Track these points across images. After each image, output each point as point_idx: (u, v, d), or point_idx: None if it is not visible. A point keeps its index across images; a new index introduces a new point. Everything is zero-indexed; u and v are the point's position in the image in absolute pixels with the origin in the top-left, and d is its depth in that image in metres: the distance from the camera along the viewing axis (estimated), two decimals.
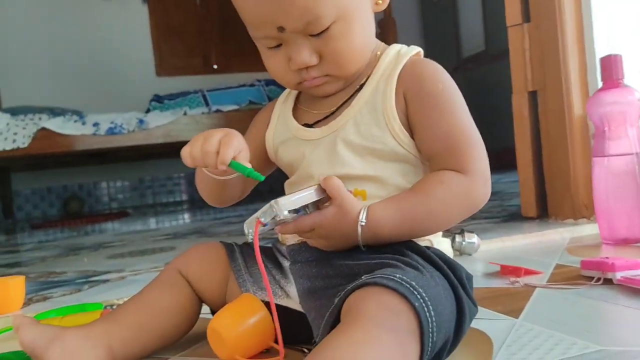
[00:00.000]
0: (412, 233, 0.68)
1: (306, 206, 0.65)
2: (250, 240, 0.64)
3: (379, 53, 0.74)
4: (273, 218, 0.62)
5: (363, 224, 0.65)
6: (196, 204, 4.17)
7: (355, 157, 0.70)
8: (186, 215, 3.34)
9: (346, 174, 0.70)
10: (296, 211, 0.64)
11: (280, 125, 0.78)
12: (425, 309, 0.56)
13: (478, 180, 0.67)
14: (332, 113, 0.73)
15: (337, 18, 0.66)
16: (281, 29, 0.66)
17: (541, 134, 1.53)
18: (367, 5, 0.70)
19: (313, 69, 0.69)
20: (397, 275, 0.58)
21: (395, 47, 0.74)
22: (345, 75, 0.71)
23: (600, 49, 1.38)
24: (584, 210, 1.44)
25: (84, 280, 1.38)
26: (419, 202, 0.66)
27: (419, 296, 0.56)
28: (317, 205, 0.65)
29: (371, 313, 0.55)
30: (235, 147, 0.66)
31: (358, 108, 0.71)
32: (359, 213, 0.64)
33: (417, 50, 0.74)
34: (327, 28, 0.66)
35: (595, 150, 1.25)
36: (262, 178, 0.67)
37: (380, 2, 0.72)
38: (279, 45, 0.69)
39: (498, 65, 3.58)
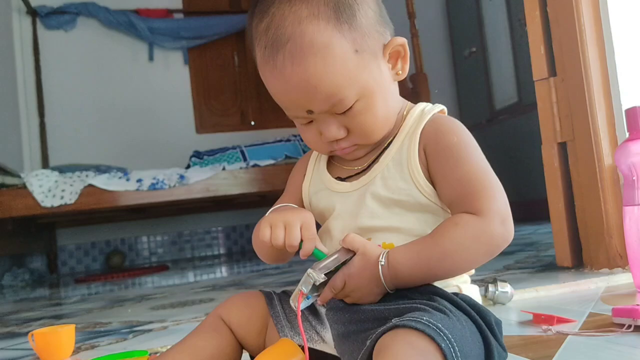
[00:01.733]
0: (430, 273, 0.71)
1: (337, 268, 0.72)
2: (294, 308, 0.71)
3: (405, 113, 0.80)
4: (313, 285, 0.70)
5: (383, 264, 0.70)
6: (233, 256, 4.24)
7: (382, 209, 0.76)
8: (224, 268, 3.39)
9: (373, 226, 0.76)
10: (329, 274, 0.71)
11: (315, 178, 0.85)
12: (452, 349, 0.59)
13: (493, 219, 0.70)
14: (363, 170, 0.79)
15: (360, 97, 0.74)
16: (310, 111, 0.74)
17: (573, 184, 1.55)
18: (387, 79, 0.77)
19: (342, 140, 0.77)
20: (425, 318, 0.62)
21: (420, 106, 0.80)
22: (372, 142, 0.79)
23: (627, 100, 1.41)
24: (619, 260, 1.44)
25: (129, 329, 1.43)
26: (434, 243, 0.71)
27: (445, 337, 0.60)
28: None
29: (400, 354, 0.59)
30: (315, 237, 0.74)
31: (385, 164, 0.77)
32: (379, 256, 0.71)
33: (440, 108, 0.80)
34: (351, 106, 0.73)
35: (626, 200, 1.26)
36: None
37: (400, 72, 0.79)
38: (310, 122, 0.77)
39: (531, 116, 3.60)
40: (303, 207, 0.87)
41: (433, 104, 0.81)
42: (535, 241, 2.46)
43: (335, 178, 0.82)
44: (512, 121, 4.00)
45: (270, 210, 0.83)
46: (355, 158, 0.81)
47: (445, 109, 0.81)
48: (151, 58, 4.62)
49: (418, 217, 0.75)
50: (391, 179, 0.76)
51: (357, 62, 0.73)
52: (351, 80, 0.72)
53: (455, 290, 0.74)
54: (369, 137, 0.77)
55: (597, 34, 1.46)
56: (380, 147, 0.79)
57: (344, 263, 0.72)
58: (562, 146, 1.56)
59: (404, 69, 0.79)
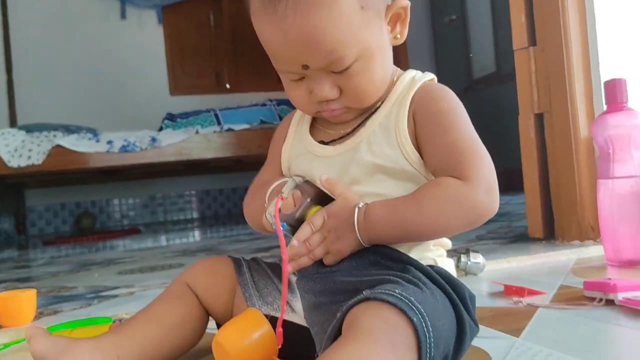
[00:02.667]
0: (405, 229, 0.69)
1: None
2: (272, 222, 0.71)
3: (394, 79, 0.77)
4: (296, 186, 0.71)
5: (360, 207, 0.69)
6: (206, 221, 4.21)
7: (365, 175, 0.73)
8: (196, 233, 3.36)
9: (355, 191, 0.73)
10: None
11: (297, 141, 0.82)
12: (423, 323, 0.57)
13: (478, 187, 0.68)
14: (347, 134, 0.76)
15: (359, 57, 0.70)
16: (305, 66, 0.70)
17: (548, 156, 1.54)
18: (386, 41, 0.74)
19: (333, 101, 0.73)
20: (397, 291, 0.60)
21: (411, 73, 0.77)
22: (364, 106, 0.75)
23: (606, 72, 1.40)
24: (590, 232, 1.44)
25: (94, 295, 1.40)
26: (413, 200, 0.69)
27: (417, 311, 0.58)
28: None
29: (370, 327, 0.57)
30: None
31: (372, 129, 0.74)
32: (359, 202, 0.70)
33: (431, 76, 0.77)
34: (349, 66, 0.69)
35: (600, 173, 1.26)
36: None
37: (399, 36, 0.75)
38: (301, 78, 0.72)
39: (509, 87, 3.59)
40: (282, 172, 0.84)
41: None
42: (509, 211, 2.48)
43: (318, 142, 0.79)
44: (490, 91, 4.00)
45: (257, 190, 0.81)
46: (342, 121, 0.77)
47: (435, 78, 0.78)
48: (123, 16, 4.48)
49: (401, 185, 0.72)
50: (377, 144, 0.73)
51: (362, 20, 0.68)
52: (353, 38, 0.68)
53: (431, 262, 0.73)
54: (362, 100, 0.74)
55: (579, 5, 1.43)
56: (367, 111, 0.76)
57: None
58: (539, 117, 1.55)
59: (403, 33, 0.76)
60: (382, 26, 0.72)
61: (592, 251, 1.38)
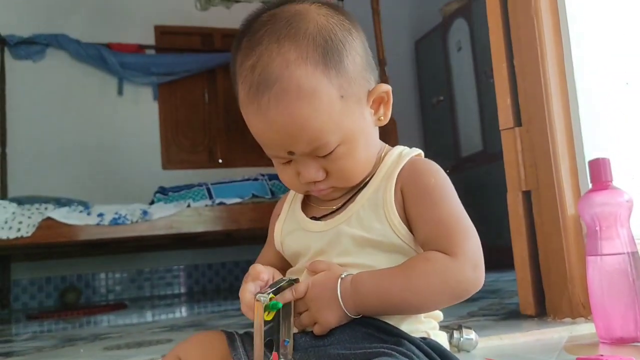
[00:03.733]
0: (392, 301, 0.71)
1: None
2: None
3: (382, 155, 0.80)
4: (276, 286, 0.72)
5: (343, 277, 0.71)
6: (194, 296, 4.14)
7: (354, 247, 0.75)
8: (184, 308, 3.30)
9: (345, 263, 0.76)
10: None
11: (290, 218, 0.85)
12: None
13: (465, 262, 0.70)
14: (338, 208, 0.78)
15: (342, 141, 0.74)
16: (291, 152, 0.74)
17: (537, 233, 1.56)
18: (369, 124, 0.78)
19: (320, 182, 0.77)
20: None
21: (398, 149, 0.81)
22: (350, 185, 0.79)
23: (589, 152, 1.44)
24: (582, 309, 1.44)
25: None
26: (401, 273, 0.71)
27: None
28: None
29: None
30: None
31: (361, 204, 0.77)
32: (342, 272, 0.72)
33: (417, 152, 0.81)
34: (333, 150, 0.74)
35: (589, 250, 1.28)
36: None
37: (382, 118, 0.80)
38: (289, 161, 0.76)
39: (495, 165, 3.67)
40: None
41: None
42: (499, 288, 2.47)
43: (310, 218, 0.81)
44: (477, 169, 4.07)
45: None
46: (330, 199, 0.80)
47: (422, 153, 0.81)
48: (120, 92, 4.59)
49: (390, 258, 0.74)
50: (366, 219, 0.76)
51: (342, 108, 0.73)
52: (335, 126, 0.72)
53: (424, 335, 0.73)
54: (348, 180, 0.77)
55: (562, 87, 1.50)
56: (357, 187, 0.79)
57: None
58: (527, 195, 1.59)
59: (386, 115, 0.80)
60: (364, 111, 0.76)
61: (584, 328, 1.38)
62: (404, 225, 0.75)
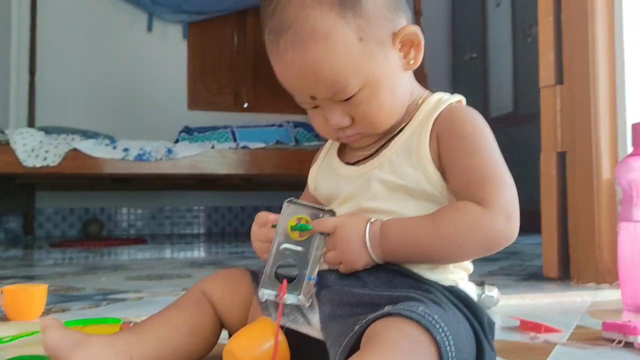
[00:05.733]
0: (420, 250, 0.69)
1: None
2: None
3: (420, 101, 0.77)
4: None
5: (372, 221, 0.70)
6: (212, 237, 4.19)
7: (385, 192, 0.73)
8: (202, 248, 3.35)
9: (373, 207, 0.74)
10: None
11: (325, 163, 0.84)
12: (447, 342, 0.57)
13: (498, 213, 0.68)
14: (371, 155, 0.76)
15: (364, 85, 0.71)
16: (313, 97, 0.73)
17: (567, 196, 1.53)
18: (396, 68, 0.75)
19: (347, 128, 0.75)
20: (421, 308, 0.59)
21: (438, 95, 0.78)
22: (378, 132, 0.76)
23: (632, 115, 1.39)
24: (607, 276, 1.42)
25: (102, 297, 1.39)
26: (430, 222, 0.69)
27: (441, 330, 0.57)
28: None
29: (393, 342, 0.56)
30: None
31: (394, 150, 0.75)
32: (370, 218, 0.71)
33: (458, 98, 0.77)
34: (355, 95, 0.71)
35: (623, 215, 1.25)
36: None
37: (413, 62, 0.76)
38: (317, 106, 0.75)
39: (525, 127, 3.60)
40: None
41: None
42: (520, 250, 2.46)
43: (345, 163, 0.79)
44: (505, 130, 4.00)
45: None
46: (361, 146, 0.79)
47: (464, 100, 0.78)
48: (150, 29, 4.54)
49: (421, 205, 0.72)
50: (399, 164, 0.73)
51: (362, 50, 0.70)
52: (354, 69, 0.70)
53: (453, 284, 0.72)
54: (374, 127, 0.75)
55: (609, 46, 1.44)
56: (391, 133, 0.76)
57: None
58: (562, 156, 1.54)
59: (417, 58, 0.76)
60: (389, 53, 0.73)
61: (608, 294, 1.36)
62: (438, 173, 0.72)
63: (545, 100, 1.56)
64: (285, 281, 0.70)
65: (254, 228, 0.77)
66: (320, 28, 0.68)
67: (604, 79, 1.43)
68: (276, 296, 0.71)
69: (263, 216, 0.75)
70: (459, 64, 4.69)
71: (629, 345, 0.88)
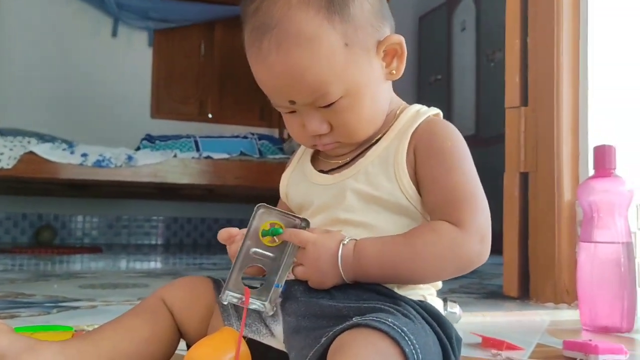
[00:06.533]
0: (395, 271, 0.67)
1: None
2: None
3: (398, 112, 0.76)
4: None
5: (345, 242, 0.67)
6: (170, 249, 4.11)
7: (360, 204, 0.72)
8: (159, 258, 3.28)
9: (348, 219, 0.72)
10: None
11: (298, 169, 0.81)
12: (415, 355, 0.56)
13: (472, 235, 0.68)
14: (347, 163, 0.75)
15: (345, 93, 0.69)
16: (292, 102, 0.70)
17: (529, 216, 1.55)
18: (378, 77, 0.73)
19: (325, 136, 0.73)
20: (389, 320, 0.58)
21: (416, 107, 0.77)
22: (355, 142, 0.75)
23: (594, 138, 1.42)
24: (565, 296, 1.44)
25: (53, 304, 1.33)
26: (407, 242, 0.67)
27: (409, 342, 0.56)
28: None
29: (361, 354, 0.54)
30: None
31: (371, 160, 0.73)
32: (344, 238, 0.68)
33: (435, 111, 0.77)
34: (336, 102, 0.69)
35: (583, 236, 1.27)
36: None
37: (395, 72, 0.75)
38: (294, 111, 0.72)
39: (486, 150, 3.65)
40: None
41: None
42: (480, 270, 2.47)
43: (318, 171, 0.77)
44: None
45: None
46: (337, 155, 0.77)
47: (441, 113, 0.77)
48: (115, 34, 4.47)
49: (395, 219, 0.71)
50: (374, 175, 0.72)
51: (346, 57, 0.68)
52: (337, 75, 0.68)
53: (421, 299, 0.71)
54: (352, 136, 0.73)
55: (574, 70, 1.47)
56: (368, 142, 0.75)
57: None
58: (524, 176, 1.57)
59: (399, 68, 0.75)
60: (372, 62, 0.72)
61: (566, 314, 1.38)
62: (413, 187, 0.71)
63: (510, 121, 1.58)
64: (247, 289, 0.68)
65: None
66: (307, 31, 0.66)
67: (567, 101, 1.46)
68: (240, 300, 0.68)
69: (225, 234, 0.72)
70: (423, 85, 4.75)
71: None
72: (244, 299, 0.67)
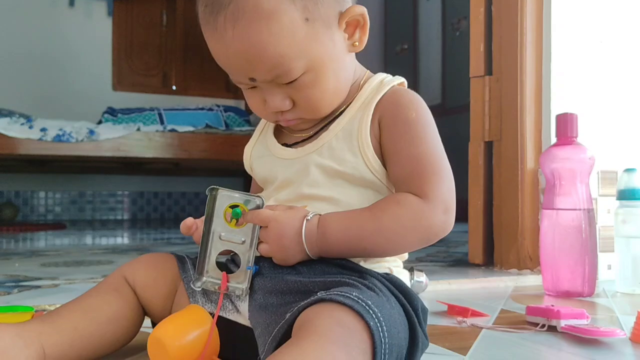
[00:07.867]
0: (360, 245, 0.67)
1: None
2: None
3: (361, 82, 0.75)
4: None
5: (309, 218, 0.66)
6: (137, 223, 4.06)
7: (324, 178, 0.71)
8: (126, 234, 3.23)
9: (312, 194, 0.71)
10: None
11: (261, 142, 0.80)
12: (380, 329, 0.55)
13: (437, 206, 0.67)
14: (310, 137, 0.73)
15: (308, 69, 0.67)
16: (252, 79, 0.68)
17: (493, 184, 1.56)
18: (341, 50, 0.71)
19: (287, 112, 0.71)
20: (354, 294, 0.57)
21: (380, 77, 0.75)
22: (318, 117, 0.73)
23: (556, 107, 1.44)
24: (529, 262, 1.47)
25: (14, 284, 1.30)
26: (371, 215, 0.67)
27: (374, 315, 0.56)
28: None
29: (325, 329, 0.54)
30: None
31: (335, 133, 0.72)
32: (308, 213, 0.67)
33: (400, 80, 0.75)
34: (298, 78, 0.67)
35: (545, 203, 1.29)
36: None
37: (357, 44, 0.73)
38: (254, 87, 0.70)
39: (451, 120, 3.68)
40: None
41: None
42: (446, 238, 2.51)
43: (282, 144, 0.76)
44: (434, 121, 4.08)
45: None
46: (300, 130, 0.75)
47: (405, 82, 0.76)
48: (72, 4, 4.32)
49: (360, 192, 0.70)
50: (338, 149, 0.71)
51: (307, 32, 0.65)
52: (299, 51, 0.65)
53: (387, 271, 0.71)
54: (315, 111, 0.71)
55: (537, 39, 1.47)
56: (332, 115, 0.73)
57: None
58: (489, 145, 1.58)
59: (362, 40, 0.73)
60: (334, 35, 0.69)
61: (530, 280, 1.40)
62: (378, 160, 0.70)
63: (474, 90, 1.59)
64: (224, 274, 0.68)
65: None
66: (265, 6, 0.63)
67: (531, 71, 1.47)
68: (218, 286, 0.67)
69: (184, 227, 0.71)
70: (390, 54, 4.74)
71: (552, 329, 0.91)
72: (220, 285, 0.67)
